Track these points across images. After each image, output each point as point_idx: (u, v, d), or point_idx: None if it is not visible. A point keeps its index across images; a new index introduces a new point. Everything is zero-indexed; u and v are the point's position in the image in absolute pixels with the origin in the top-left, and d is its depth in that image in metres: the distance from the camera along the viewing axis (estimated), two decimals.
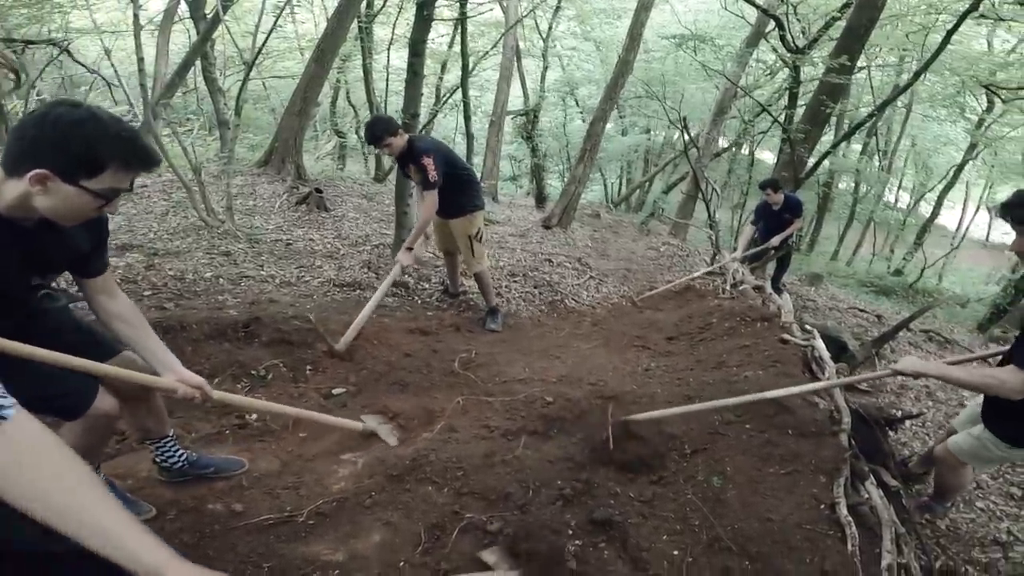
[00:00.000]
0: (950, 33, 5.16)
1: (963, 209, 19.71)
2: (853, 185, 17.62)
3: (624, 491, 2.25)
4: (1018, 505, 2.89)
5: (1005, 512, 2.81)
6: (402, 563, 1.84)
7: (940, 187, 15.75)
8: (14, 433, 0.90)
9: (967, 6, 5.12)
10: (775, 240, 6.08)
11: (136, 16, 7.06)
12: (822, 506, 2.09)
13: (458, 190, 4.20)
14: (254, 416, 2.63)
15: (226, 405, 1.96)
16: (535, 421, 2.73)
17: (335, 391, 3.05)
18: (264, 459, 2.33)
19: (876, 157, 17.21)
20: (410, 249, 4.07)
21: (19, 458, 0.88)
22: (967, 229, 18.61)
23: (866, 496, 2.24)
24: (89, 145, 1.31)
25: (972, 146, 14.43)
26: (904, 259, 14.99)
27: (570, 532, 2.02)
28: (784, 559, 1.86)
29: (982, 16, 6.99)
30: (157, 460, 2.12)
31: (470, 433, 2.62)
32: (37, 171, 1.28)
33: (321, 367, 3.24)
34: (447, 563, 1.86)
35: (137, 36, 6.81)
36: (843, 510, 2.07)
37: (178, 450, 2.14)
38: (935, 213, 15.76)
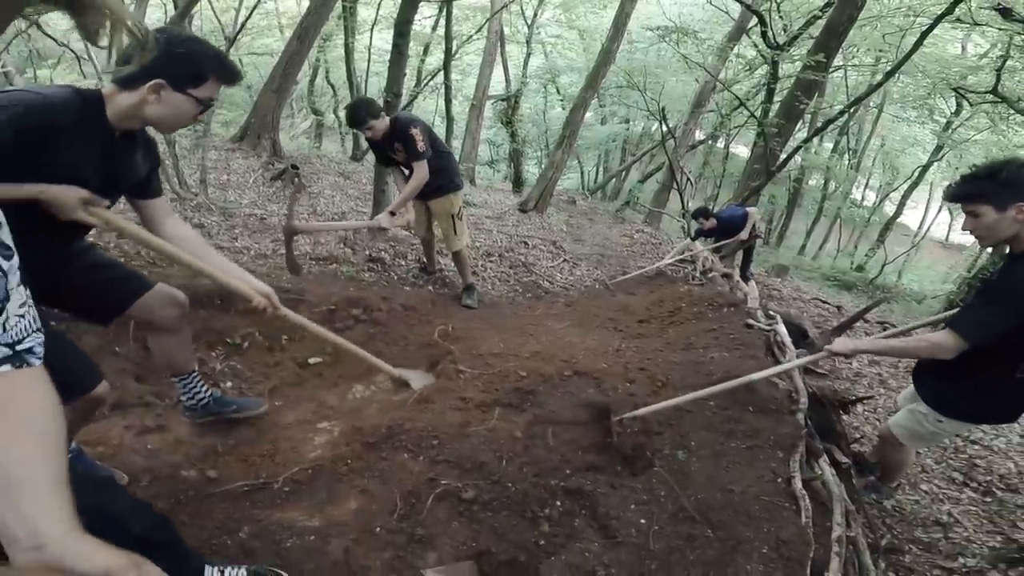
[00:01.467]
0: (924, 35, 5.26)
1: (926, 209, 20.24)
2: (823, 182, 17.95)
3: (595, 462, 2.30)
4: (959, 489, 3.02)
5: (947, 495, 2.94)
6: (378, 528, 1.87)
7: (905, 186, 16.12)
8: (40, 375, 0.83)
9: (943, 9, 5.22)
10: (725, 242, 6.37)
11: None
12: (779, 480, 2.17)
13: (438, 171, 4.18)
14: (228, 383, 2.62)
15: (287, 320, 2.08)
16: (509, 394, 2.76)
17: (311, 360, 3.05)
18: (240, 426, 2.32)
19: (846, 155, 17.53)
20: (392, 214, 3.99)
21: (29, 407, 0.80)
22: (928, 228, 19.11)
23: (819, 472, 2.32)
24: (195, 60, 1.60)
25: (938, 148, 14.77)
26: (867, 255, 15.36)
27: (543, 500, 2.07)
28: (744, 528, 1.93)
29: (958, 20, 7.12)
30: (183, 398, 2.25)
31: (445, 404, 2.64)
32: (155, 81, 1.54)
33: (297, 336, 3.23)
34: (422, 529, 1.89)
35: None
36: (798, 484, 2.14)
37: (203, 386, 2.27)
38: (898, 212, 16.15)
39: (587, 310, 5.07)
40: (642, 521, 2.00)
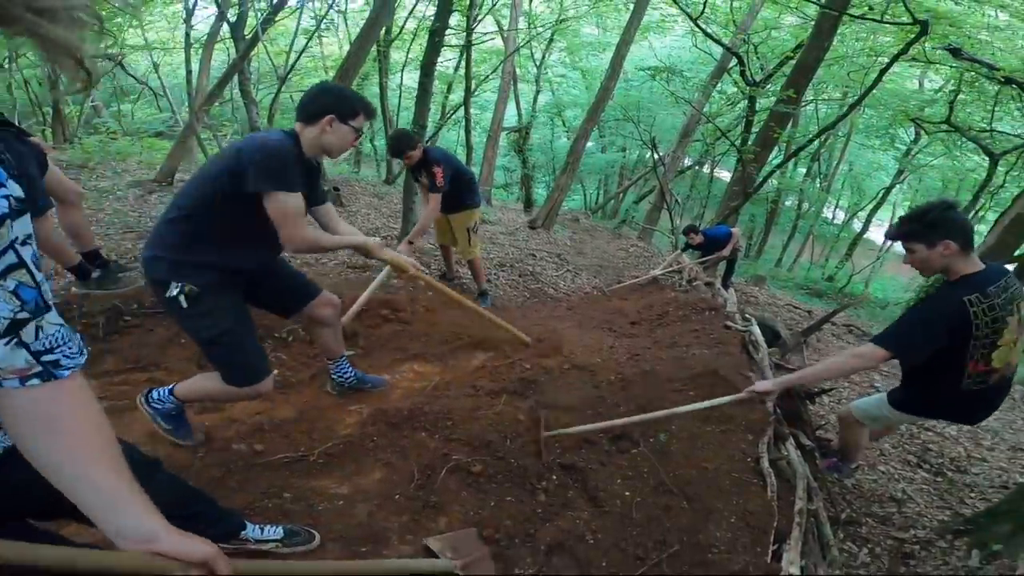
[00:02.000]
0: (882, 72, 5.24)
1: (889, 226, 19.98)
2: (797, 202, 17.80)
3: (586, 442, 2.31)
4: (912, 470, 2.98)
5: (902, 475, 2.90)
6: (397, 496, 1.90)
7: (871, 206, 15.93)
8: (75, 384, 0.76)
9: (899, 51, 5.20)
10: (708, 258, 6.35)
11: (187, 34, 7.01)
12: (748, 459, 2.16)
13: (462, 190, 4.25)
14: (275, 372, 2.66)
15: (427, 283, 2.55)
16: (515, 383, 2.78)
17: (346, 352, 3.08)
18: (283, 408, 2.37)
19: (818, 179, 17.40)
20: (411, 243, 4.10)
21: (68, 416, 0.74)
22: (891, 244, 18.82)
23: (785, 453, 2.31)
24: (348, 99, 1.92)
25: (899, 172, 14.60)
26: (836, 267, 15.17)
27: (540, 474, 2.08)
28: (715, 500, 1.93)
29: (914, 59, 7.08)
30: (333, 377, 2.55)
31: (459, 391, 2.67)
32: (328, 116, 1.86)
33: None
34: (435, 497, 1.91)
35: (187, 51, 6.76)
36: (765, 463, 2.14)
37: (349, 368, 2.57)
38: (865, 229, 15.95)
39: (586, 313, 5.07)
40: (627, 493, 2.01)
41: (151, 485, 0.94)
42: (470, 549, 1.61)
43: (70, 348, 0.74)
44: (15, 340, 0.68)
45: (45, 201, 2.64)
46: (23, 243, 0.66)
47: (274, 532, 1.55)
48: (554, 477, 2.10)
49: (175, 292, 1.73)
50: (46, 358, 0.71)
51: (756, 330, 3.64)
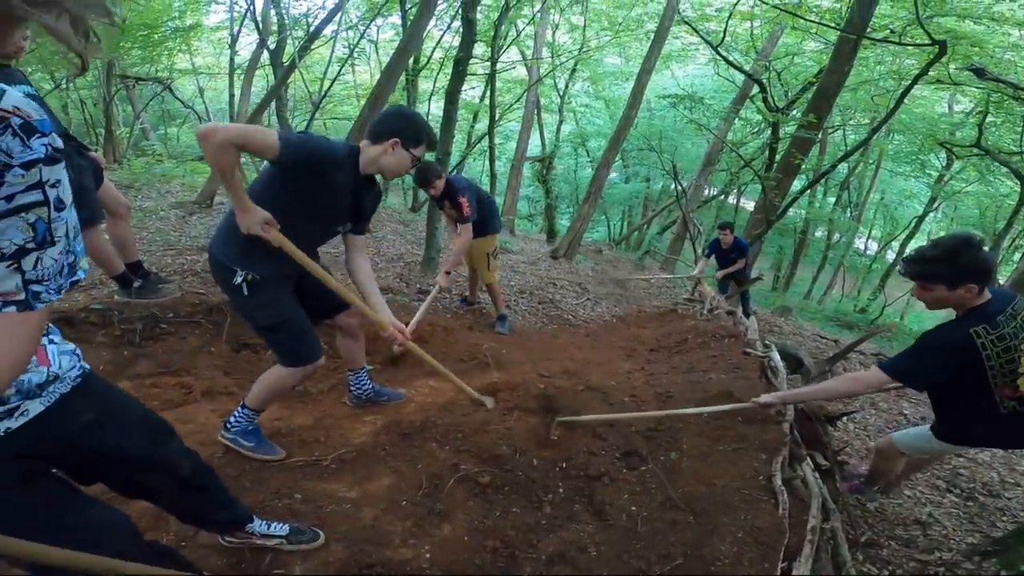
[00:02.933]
0: (903, 95, 5.21)
1: None
2: (827, 233, 17.52)
3: (595, 459, 2.32)
4: (941, 494, 2.88)
5: (929, 499, 2.81)
6: (404, 502, 1.94)
7: (904, 236, 15.55)
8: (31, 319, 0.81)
9: (918, 73, 5.20)
10: (719, 274, 6.32)
11: (232, 60, 7.42)
12: (760, 477, 2.13)
13: (483, 216, 4.35)
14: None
15: (412, 352, 2.38)
16: (528, 400, 2.81)
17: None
18: (301, 415, 2.44)
19: (848, 209, 17.13)
20: (448, 273, 4.19)
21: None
22: None
23: (800, 473, 2.28)
24: (417, 127, 2.01)
25: (932, 199, 14.26)
26: (869, 299, 14.78)
27: (548, 487, 2.10)
28: (722, 515, 1.91)
29: (938, 81, 7.03)
30: (352, 388, 2.63)
31: (471, 406, 2.71)
32: (393, 139, 1.96)
33: None
34: (441, 504, 1.95)
35: (231, 77, 7.15)
36: (778, 481, 2.11)
37: (368, 381, 2.66)
38: (897, 259, 15.56)
39: (604, 340, 5.09)
40: (633, 508, 2.01)
41: (166, 449, 1.02)
42: None
43: (56, 282, 0.82)
44: (15, 266, 0.77)
45: (99, 212, 2.82)
46: (52, 186, 0.76)
47: (280, 529, 1.60)
48: (561, 490, 2.11)
49: (239, 280, 1.86)
50: (34, 288, 0.79)
51: (776, 356, 3.59)
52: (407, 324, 3.61)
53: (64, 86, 8.39)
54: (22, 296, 0.78)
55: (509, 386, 2.99)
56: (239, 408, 2.10)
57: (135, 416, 1.12)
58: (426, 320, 4.32)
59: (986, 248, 2.01)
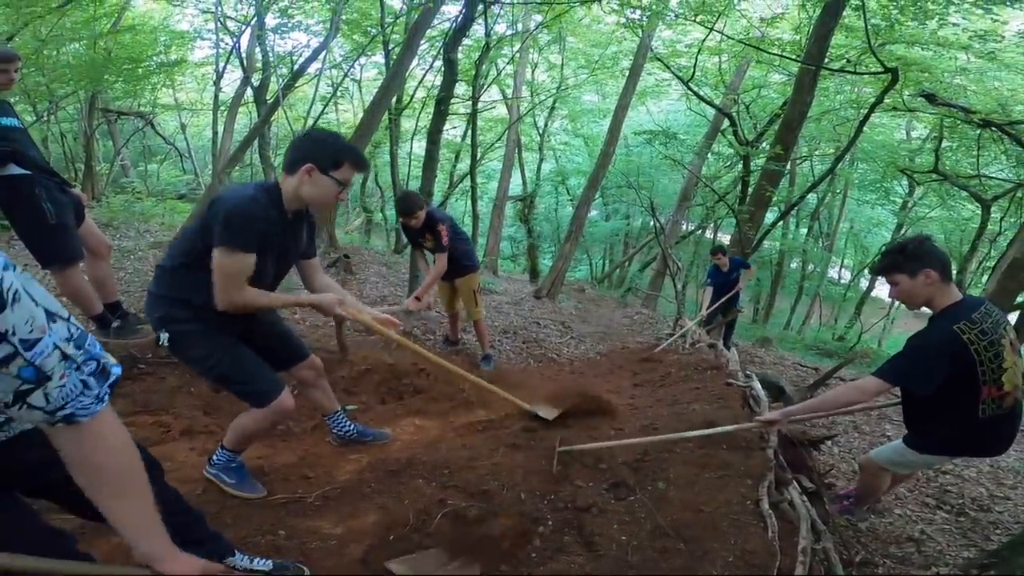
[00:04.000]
0: (861, 124, 5.49)
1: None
2: (801, 264, 17.95)
3: (583, 491, 2.31)
4: (931, 511, 2.92)
5: (920, 517, 2.85)
6: (391, 538, 1.91)
7: (874, 263, 15.95)
8: (92, 430, 0.87)
9: (874, 101, 5.48)
10: (712, 308, 6.38)
11: (216, 96, 7.49)
12: (748, 502, 2.15)
13: (462, 255, 4.43)
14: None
15: (405, 346, 2.44)
16: (514, 435, 2.80)
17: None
18: (285, 453, 2.41)
19: (820, 239, 17.60)
20: (418, 299, 4.21)
21: (89, 456, 0.87)
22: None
23: (788, 497, 2.30)
24: (332, 147, 1.83)
25: (899, 226, 14.68)
26: (846, 327, 15.06)
27: (535, 518, 2.09)
28: (712, 541, 1.91)
29: (894, 108, 7.34)
30: (334, 431, 2.55)
31: (457, 443, 2.70)
32: (308, 165, 1.79)
33: (338, 387, 3.35)
34: (429, 541, 1.92)
35: (215, 113, 7.20)
36: (765, 505, 2.12)
37: (348, 422, 2.58)
38: (871, 287, 15.96)
39: (589, 377, 5.13)
40: (623, 538, 2.00)
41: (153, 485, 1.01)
42: (434, 568, 1.61)
43: (82, 400, 0.84)
44: (25, 406, 0.79)
45: (78, 250, 2.80)
46: (13, 333, 0.73)
47: (263, 564, 1.57)
48: (550, 522, 2.10)
49: (163, 340, 1.84)
50: (61, 413, 0.82)
51: (757, 385, 3.66)
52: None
53: (46, 118, 8.38)
54: (60, 422, 0.83)
55: (493, 426, 3.00)
56: (219, 448, 2.07)
57: None
58: (407, 363, 4.31)
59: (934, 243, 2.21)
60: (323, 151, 1.81)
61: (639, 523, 2.09)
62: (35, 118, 8.09)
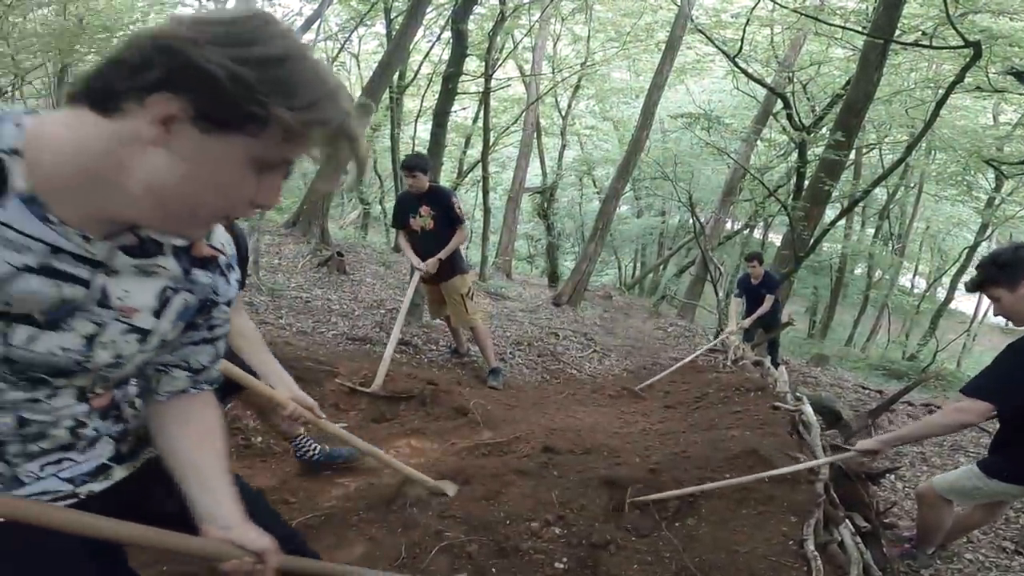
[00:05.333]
0: (938, 106, 5.39)
1: (979, 294, 19.33)
2: (867, 270, 17.67)
3: (600, 526, 2.33)
4: (1009, 557, 2.88)
5: (995, 563, 2.80)
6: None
7: (954, 270, 15.66)
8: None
9: (954, 80, 5.39)
10: (746, 323, 6.38)
11: None
12: (791, 542, 2.15)
13: (452, 255, 4.49)
14: (259, 439, 2.78)
15: (325, 429, 2.12)
16: (521, 461, 2.83)
17: (339, 424, 3.18)
18: (263, 475, 2.47)
19: (890, 241, 17.33)
20: (441, 259, 4.33)
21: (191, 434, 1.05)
22: (984, 314, 18.38)
23: (838, 537, 2.29)
24: None
25: (984, 227, 14.41)
26: (919, 344, 14.80)
27: (544, 556, 2.11)
28: None
29: (978, 89, 7.21)
30: (298, 455, 2.56)
31: (458, 468, 2.74)
32: None
33: (329, 403, 3.41)
34: None
35: None
36: (810, 546, 2.12)
37: (313, 444, 2.59)
38: (949, 298, 15.61)
39: (612, 396, 5.14)
40: None
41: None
42: None
43: (208, 382, 1.07)
44: (192, 372, 1.03)
45: None
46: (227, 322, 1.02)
47: None
48: (564, 561, 2.12)
49: None
50: (200, 387, 1.05)
51: (808, 409, 3.64)
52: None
53: (10, 94, 8.61)
54: (197, 387, 1.05)
55: (498, 450, 3.03)
56: None
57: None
58: (409, 376, 4.36)
59: None
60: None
61: (663, 563, 2.10)
62: None
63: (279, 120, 0.65)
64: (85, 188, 0.67)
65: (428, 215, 4.30)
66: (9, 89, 8.61)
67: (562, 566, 2.10)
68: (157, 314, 0.86)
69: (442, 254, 4.31)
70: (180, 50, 0.61)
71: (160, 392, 1.01)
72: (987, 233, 14.60)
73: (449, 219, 4.30)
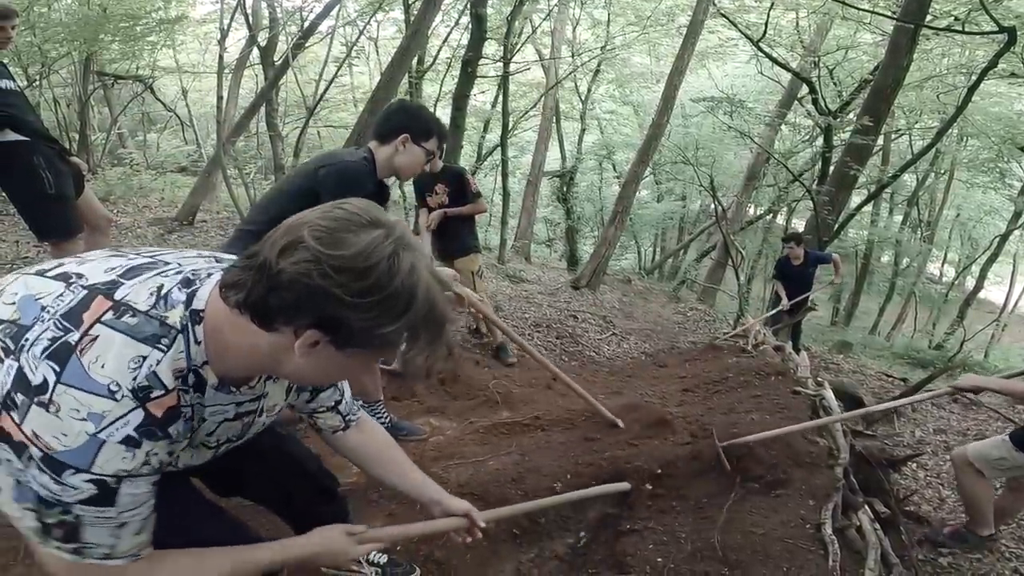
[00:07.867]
0: (970, 92, 5.28)
1: (1011, 283, 19.04)
2: (894, 257, 17.37)
3: (615, 508, 2.35)
4: None
5: (1015, 553, 2.78)
6: (399, 548, 1.98)
7: (984, 259, 15.34)
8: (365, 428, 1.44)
9: (987, 65, 5.26)
10: (800, 298, 6.24)
11: (220, 57, 7.68)
12: (808, 526, 2.15)
13: (467, 232, 4.57)
14: None
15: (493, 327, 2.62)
16: (540, 440, 2.86)
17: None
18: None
19: (919, 228, 17.01)
20: (447, 215, 4.38)
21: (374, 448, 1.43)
22: (1016, 304, 17.99)
23: (856, 522, 2.29)
24: (426, 120, 2.22)
25: (1017, 214, 14.08)
26: (946, 333, 14.53)
27: (560, 532, 2.14)
28: (762, 567, 1.93)
29: (1012, 75, 7.04)
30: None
31: (477, 446, 2.77)
32: (403, 135, 2.14)
33: None
34: (440, 551, 1.99)
35: (219, 76, 7.39)
36: (828, 530, 2.12)
37: (386, 413, 2.84)
38: (978, 287, 15.27)
39: (630, 379, 5.14)
40: (659, 560, 2.03)
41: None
42: None
43: (354, 410, 1.41)
44: (335, 410, 1.35)
45: (77, 223, 2.96)
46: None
47: (379, 557, 1.84)
48: (580, 537, 2.15)
49: None
50: (350, 418, 1.39)
51: (829, 394, 3.61)
52: None
53: (38, 83, 8.74)
54: (348, 423, 1.39)
55: (516, 429, 3.06)
56: None
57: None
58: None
59: None
60: (416, 121, 2.19)
61: (678, 544, 2.12)
62: (27, 82, 8.44)
63: (400, 340, 0.88)
64: (253, 370, 1.02)
65: (444, 192, 4.38)
66: (37, 78, 8.75)
67: (578, 544, 2.12)
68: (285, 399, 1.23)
69: (451, 211, 4.39)
70: (328, 304, 0.80)
71: (326, 430, 1.37)
72: (1020, 221, 14.24)
73: (464, 194, 4.38)
